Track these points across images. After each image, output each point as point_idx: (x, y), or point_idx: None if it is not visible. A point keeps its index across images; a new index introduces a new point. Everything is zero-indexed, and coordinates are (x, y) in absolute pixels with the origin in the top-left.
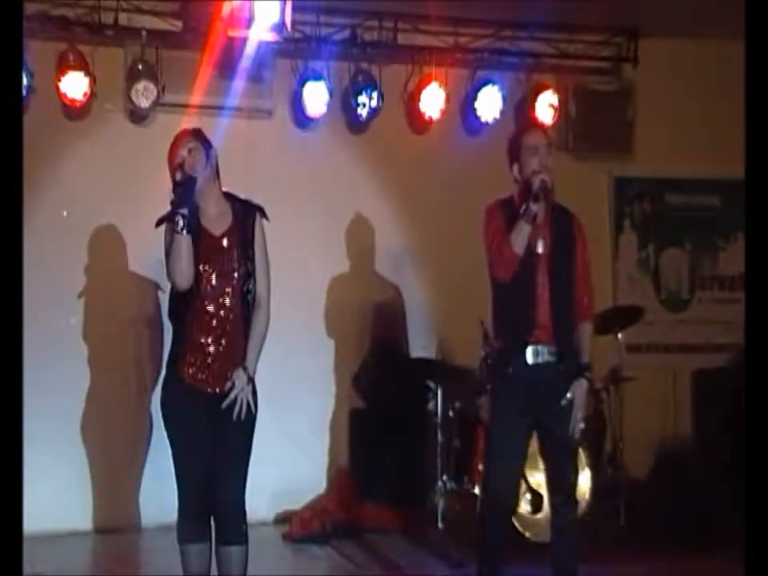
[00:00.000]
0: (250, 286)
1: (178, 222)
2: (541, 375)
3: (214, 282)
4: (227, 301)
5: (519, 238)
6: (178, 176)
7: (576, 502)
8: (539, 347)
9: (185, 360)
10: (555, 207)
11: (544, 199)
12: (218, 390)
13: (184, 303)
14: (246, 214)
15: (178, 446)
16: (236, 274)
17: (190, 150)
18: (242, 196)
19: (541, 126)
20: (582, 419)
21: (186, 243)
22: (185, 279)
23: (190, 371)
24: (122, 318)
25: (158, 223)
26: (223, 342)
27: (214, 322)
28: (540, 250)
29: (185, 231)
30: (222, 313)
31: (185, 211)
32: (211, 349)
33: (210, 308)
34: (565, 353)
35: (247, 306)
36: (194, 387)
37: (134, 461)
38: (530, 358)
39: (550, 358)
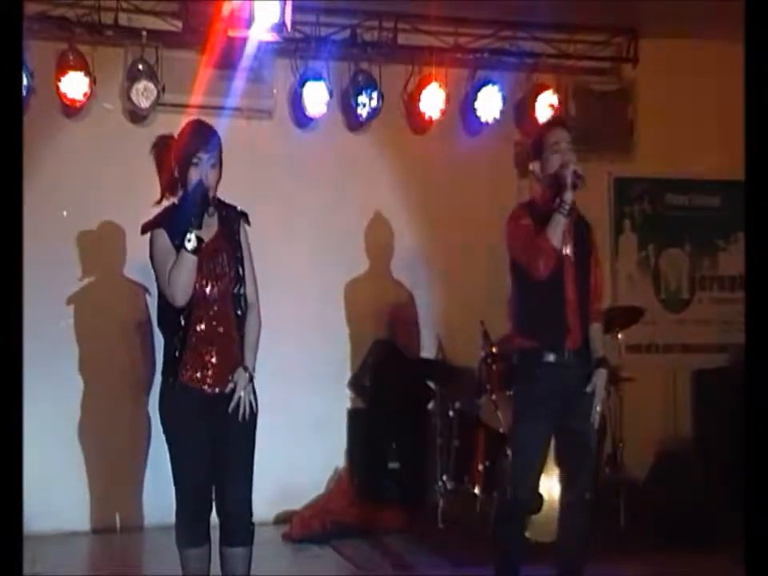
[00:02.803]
0: (241, 290)
1: (190, 241)
2: (565, 375)
3: (206, 288)
4: (220, 305)
5: (557, 232)
6: (197, 189)
7: (588, 503)
8: (567, 348)
9: (182, 365)
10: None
11: (579, 189)
12: (217, 390)
13: (176, 311)
14: (231, 218)
15: (178, 450)
16: (227, 279)
17: (213, 165)
18: (227, 200)
19: (562, 124)
20: (600, 411)
21: (193, 263)
22: (186, 297)
23: (188, 375)
24: (119, 318)
25: (146, 229)
26: (219, 345)
27: (209, 328)
28: (567, 251)
29: (195, 253)
30: (215, 317)
31: (199, 233)
32: (208, 353)
33: (204, 314)
34: (586, 353)
35: (239, 308)
36: (193, 390)
37: (133, 461)
38: (559, 357)
39: (575, 358)
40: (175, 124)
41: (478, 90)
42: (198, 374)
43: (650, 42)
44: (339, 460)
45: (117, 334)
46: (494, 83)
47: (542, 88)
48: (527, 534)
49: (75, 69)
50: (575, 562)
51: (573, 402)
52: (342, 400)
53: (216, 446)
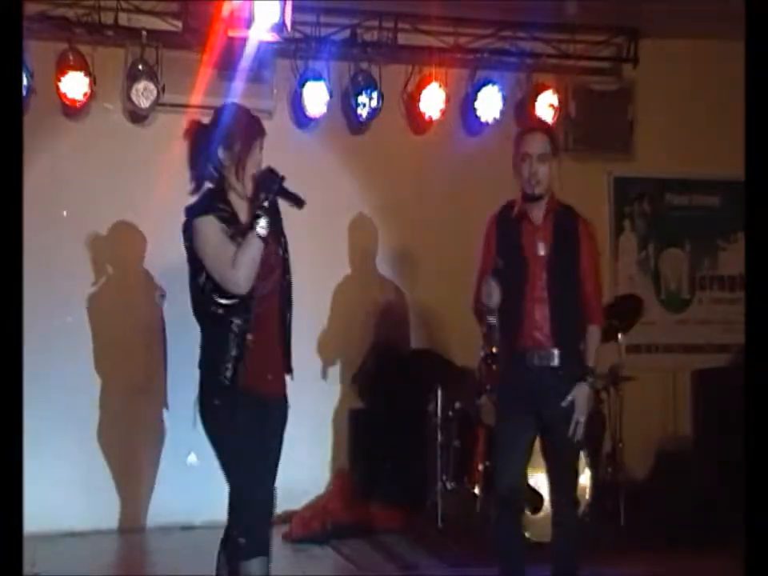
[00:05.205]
0: (288, 278)
1: (263, 226)
2: (541, 377)
3: (258, 281)
4: (268, 296)
5: (492, 296)
6: (267, 175)
7: (577, 502)
8: (537, 350)
9: (238, 367)
10: (558, 207)
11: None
12: (267, 392)
13: (217, 303)
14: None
15: (235, 456)
16: (275, 267)
17: (261, 149)
18: None
19: (541, 129)
20: (583, 423)
21: (260, 249)
22: (249, 284)
23: (237, 375)
24: (126, 319)
25: (193, 215)
26: (268, 341)
27: (257, 321)
28: (541, 252)
29: (263, 239)
30: (263, 310)
31: (274, 218)
32: (257, 350)
33: (252, 306)
34: (566, 355)
35: (286, 300)
36: (245, 393)
37: (135, 461)
38: (528, 360)
39: (549, 360)
40: (175, 124)
41: (478, 89)
42: (250, 376)
43: (649, 42)
44: (339, 460)
45: (127, 336)
46: (494, 83)
47: (542, 88)
48: (527, 534)
49: (75, 69)
50: (566, 562)
51: (550, 404)
52: (342, 400)
53: (264, 450)
